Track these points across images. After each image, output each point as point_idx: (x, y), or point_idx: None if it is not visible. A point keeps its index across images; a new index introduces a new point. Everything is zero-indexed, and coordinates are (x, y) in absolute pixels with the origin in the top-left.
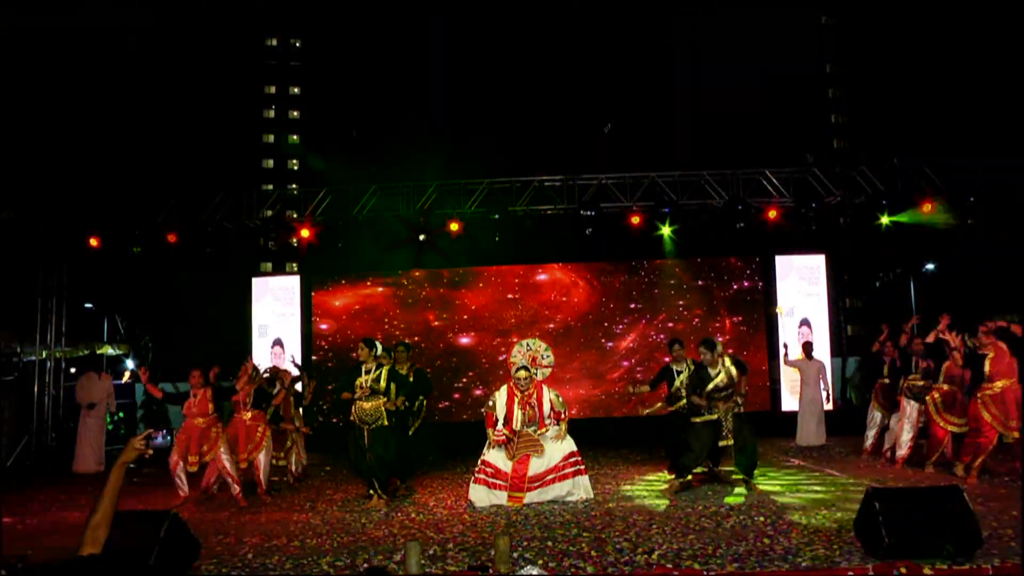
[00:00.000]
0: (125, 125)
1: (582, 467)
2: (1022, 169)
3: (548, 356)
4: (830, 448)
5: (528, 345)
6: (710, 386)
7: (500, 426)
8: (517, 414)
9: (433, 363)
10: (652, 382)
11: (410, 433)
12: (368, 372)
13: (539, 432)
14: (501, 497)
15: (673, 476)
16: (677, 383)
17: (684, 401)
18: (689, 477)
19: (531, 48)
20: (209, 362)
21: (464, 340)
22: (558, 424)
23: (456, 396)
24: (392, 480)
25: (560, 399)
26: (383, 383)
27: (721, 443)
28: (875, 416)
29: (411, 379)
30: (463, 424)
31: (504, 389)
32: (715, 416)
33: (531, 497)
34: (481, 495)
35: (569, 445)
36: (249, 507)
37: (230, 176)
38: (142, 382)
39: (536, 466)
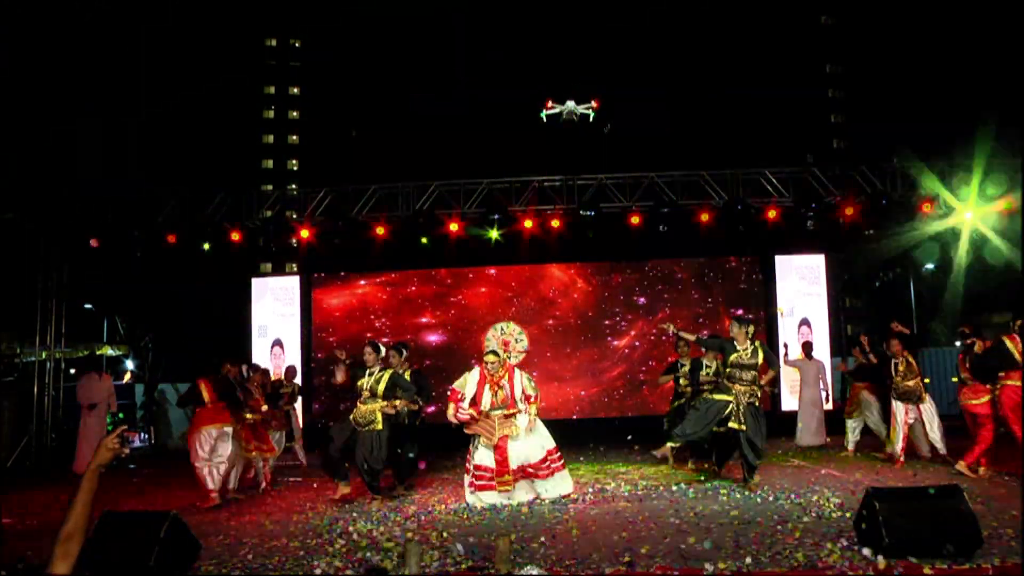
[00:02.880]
0: (125, 125)
1: (562, 461)
2: (1021, 168)
3: (522, 340)
4: (830, 448)
5: (502, 329)
6: (732, 357)
7: (466, 405)
8: (486, 395)
9: (432, 363)
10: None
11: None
12: (371, 375)
13: (509, 412)
14: (491, 497)
15: (665, 439)
16: (706, 371)
17: (710, 387)
18: (677, 443)
19: (530, 47)
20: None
21: (464, 340)
22: (528, 406)
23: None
24: (381, 480)
25: (532, 383)
26: (382, 386)
27: (731, 424)
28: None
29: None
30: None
31: (476, 371)
32: (731, 397)
33: (520, 489)
34: (474, 500)
35: (548, 441)
36: (249, 507)
37: (230, 176)
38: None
39: (516, 455)
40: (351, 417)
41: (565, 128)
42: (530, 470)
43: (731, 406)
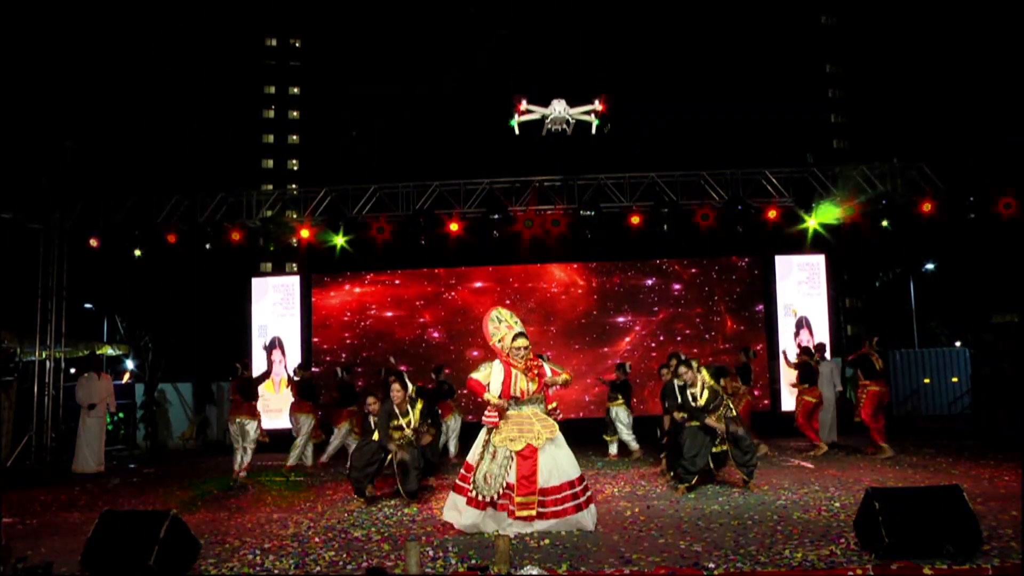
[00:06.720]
0: (125, 125)
1: (576, 502)
2: (1021, 168)
3: (518, 323)
4: (836, 447)
5: (497, 318)
6: (688, 408)
7: (495, 397)
8: (522, 387)
9: (433, 363)
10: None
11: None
12: (404, 414)
13: (547, 409)
14: (501, 520)
15: (677, 481)
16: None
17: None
18: (694, 481)
19: (530, 46)
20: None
21: (464, 339)
22: (556, 381)
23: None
24: (425, 482)
25: (558, 367)
26: (416, 420)
27: (715, 449)
28: None
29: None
30: (467, 424)
31: (498, 363)
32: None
33: (543, 520)
34: (476, 519)
35: (574, 468)
36: (249, 507)
37: (230, 176)
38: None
39: (544, 470)
40: (379, 442)
41: (553, 135)
42: (541, 499)
43: (714, 431)
